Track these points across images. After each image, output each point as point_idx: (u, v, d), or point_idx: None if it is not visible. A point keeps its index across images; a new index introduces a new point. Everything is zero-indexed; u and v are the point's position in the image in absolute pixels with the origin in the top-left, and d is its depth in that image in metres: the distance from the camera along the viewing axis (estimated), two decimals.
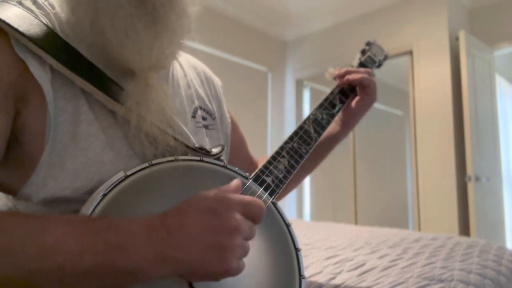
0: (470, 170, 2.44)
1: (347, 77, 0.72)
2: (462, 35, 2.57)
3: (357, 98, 0.74)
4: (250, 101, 3.46)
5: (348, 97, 0.73)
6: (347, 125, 0.76)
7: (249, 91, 3.46)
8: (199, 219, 0.36)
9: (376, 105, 0.74)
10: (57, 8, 0.47)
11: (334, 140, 0.76)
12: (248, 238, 0.39)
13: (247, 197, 0.41)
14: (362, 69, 0.73)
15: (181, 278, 0.37)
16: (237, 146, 0.72)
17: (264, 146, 3.55)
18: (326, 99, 0.70)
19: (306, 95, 3.83)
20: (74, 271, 0.32)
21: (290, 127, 3.76)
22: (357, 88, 0.74)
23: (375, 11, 3.13)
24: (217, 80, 0.71)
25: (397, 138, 4.14)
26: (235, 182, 0.44)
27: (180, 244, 0.35)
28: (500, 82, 3.39)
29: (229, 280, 0.41)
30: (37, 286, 0.32)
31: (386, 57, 0.84)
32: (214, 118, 0.63)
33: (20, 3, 0.43)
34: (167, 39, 0.46)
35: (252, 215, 0.40)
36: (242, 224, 0.38)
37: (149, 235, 0.35)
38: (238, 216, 0.38)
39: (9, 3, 0.43)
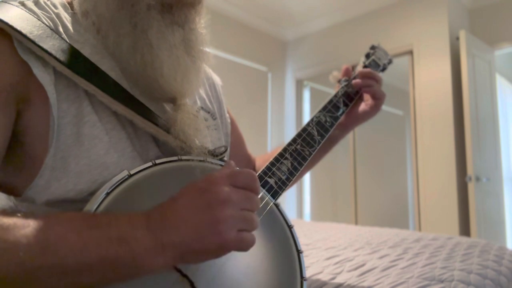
0: (470, 170, 2.44)
1: (362, 82, 0.72)
2: (462, 35, 2.57)
3: (363, 106, 0.73)
4: (250, 101, 3.46)
5: (352, 100, 0.72)
6: (346, 128, 0.76)
7: (249, 91, 3.46)
8: (189, 201, 0.37)
9: None
10: (60, 8, 0.47)
11: (332, 142, 0.76)
12: (249, 207, 0.38)
13: (233, 169, 0.41)
14: (376, 76, 0.73)
15: (185, 262, 0.37)
16: (236, 145, 0.73)
17: (264, 146, 3.56)
18: (330, 101, 0.70)
19: (306, 95, 3.83)
20: (77, 266, 0.32)
21: (290, 127, 3.76)
22: (364, 95, 0.74)
23: (375, 11, 3.13)
24: (217, 80, 0.72)
25: (397, 138, 4.14)
26: (229, 162, 0.44)
27: (174, 227, 0.35)
28: (501, 82, 3.39)
29: (230, 281, 0.41)
30: (41, 281, 0.32)
31: (390, 61, 0.84)
32: (215, 119, 0.63)
33: (22, 4, 0.43)
34: (202, 69, 0.54)
35: (243, 183, 0.39)
36: (231, 194, 0.37)
37: (147, 225, 0.35)
38: (225, 188, 0.38)
39: (11, 3, 0.43)
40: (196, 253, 0.36)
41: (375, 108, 0.73)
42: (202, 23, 0.53)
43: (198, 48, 0.51)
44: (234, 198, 0.37)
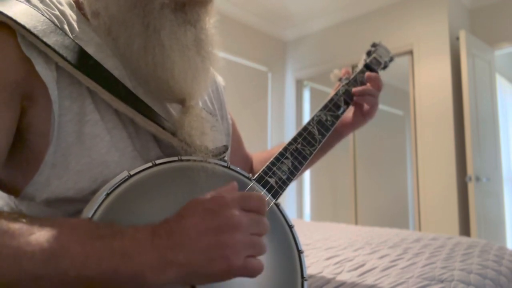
0: (470, 170, 2.44)
1: (355, 90, 0.73)
2: (462, 35, 2.57)
3: (356, 112, 0.75)
4: (250, 101, 3.46)
5: (353, 99, 0.72)
6: (340, 135, 0.77)
7: (249, 91, 3.46)
8: (198, 221, 0.36)
9: None
10: (65, 6, 0.47)
11: (327, 146, 0.77)
12: (257, 232, 0.38)
13: (243, 192, 0.41)
14: (370, 91, 0.73)
15: (187, 283, 0.37)
16: (235, 144, 0.73)
17: (264, 146, 3.56)
18: (331, 100, 0.70)
19: (306, 95, 3.83)
20: (78, 277, 0.32)
21: (290, 127, 3.76)
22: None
23: (375, 11, 3.13)
24: (220, 80, 0.72)
25: (397, 138, 4.14)
26: (232, 183, 0.44)
27: (181, 247, 0.35)
28: (500, 82, 3.39)
29: (231, 280, 0.41)
30: None
31: (392, 59, 0.83)
32: (216, 120, 0.63)
33: (27, 0, 0.43)
34: (210, 70, 0.53)
35: (252, 207, 0.39)
36: (242, 219, 0.37)
37: (152, 241, 0.35)
38: (236, 212, 0.37)
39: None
40: (200, 275, 0.35)
41: (368, 115, 0.74)
42: (211, 23, 0.53)
43: (208, 48, 0.51)
44: (244, 222, 0.37)
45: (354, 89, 0.73)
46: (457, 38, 2.67)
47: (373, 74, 0.74)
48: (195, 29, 0.49)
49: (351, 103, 0.73)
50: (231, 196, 0.39)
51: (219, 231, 0.36)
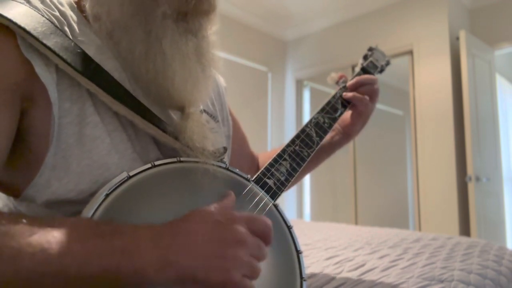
0: (470, 170, 2.44)
1: (349, 84, 0.74)
2: (462, 35, 2.57)
3: (353, 113, 0.75)
4: (250, 101, 3.46)
5: (350, 102, 0.73)
6: (348, 135, 0.77)
7: (249, 91, 3.46)
8: (205, 229, 0.37)
9: (377, 105, 0.75)
10: (66, 7, 0.47)
11: (335, 146, 0.77)
12: (257, 256, 0.39)
13: (252, 214, 0.42)
14: (364, 81, 0.73)
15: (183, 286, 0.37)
16: (240, 144, 0.73)
17: (264, 146, 3.56)
18: (328, 103, 0.71)
19: (306, 95, 3.83)
20: (79, 275, 0.32)
21: (290, 127, 3.76)
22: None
23: (375, 11, 3.13)
24: (221, 82, 0.72)
25: (397, 138, 4.14)
26: (229, 196, 0.45)
27: (184, 249, 0.35)
28: (501, 82, 3.39)
29: None
30: None
31: (388, 63, 0.84)
32: (217, 121, 0.63)
33: (27, 1, 0.43)
34: (211, 77, 0.53)
35: (258, 230, 0.40)
36: (247, 237, 0.38)
37: (154, 239, 0.35)
38: (242, 229, 0.38)
39: (16, 1, 0.42)
40: (197, 282, 0.35)
41: (371, 105, 0.74)
42: (213, 30, 0.53)
43: (208, 56, 0.51)
44: (248, 241, 0.38)
45: (348, 83, 0.74)
46: (457, 38, 2.67)
47: (351, 83, 0.74)
48: (196, 39, 0.49)
49: (348, 106, 0.73)
50: (240, 214, 0.40)
51: (225, 243, 0.36)
